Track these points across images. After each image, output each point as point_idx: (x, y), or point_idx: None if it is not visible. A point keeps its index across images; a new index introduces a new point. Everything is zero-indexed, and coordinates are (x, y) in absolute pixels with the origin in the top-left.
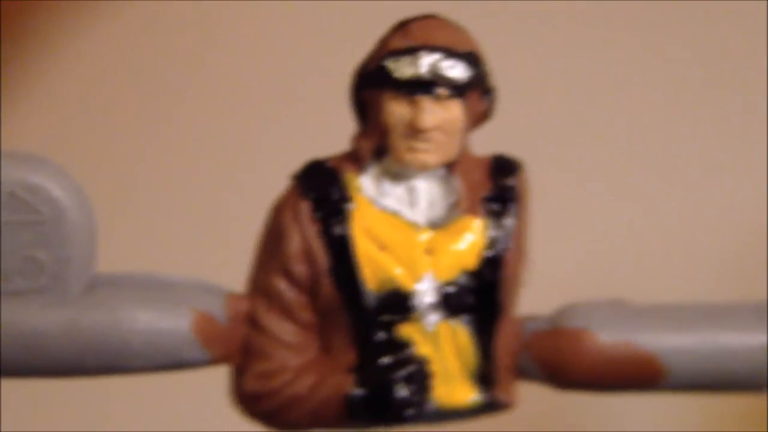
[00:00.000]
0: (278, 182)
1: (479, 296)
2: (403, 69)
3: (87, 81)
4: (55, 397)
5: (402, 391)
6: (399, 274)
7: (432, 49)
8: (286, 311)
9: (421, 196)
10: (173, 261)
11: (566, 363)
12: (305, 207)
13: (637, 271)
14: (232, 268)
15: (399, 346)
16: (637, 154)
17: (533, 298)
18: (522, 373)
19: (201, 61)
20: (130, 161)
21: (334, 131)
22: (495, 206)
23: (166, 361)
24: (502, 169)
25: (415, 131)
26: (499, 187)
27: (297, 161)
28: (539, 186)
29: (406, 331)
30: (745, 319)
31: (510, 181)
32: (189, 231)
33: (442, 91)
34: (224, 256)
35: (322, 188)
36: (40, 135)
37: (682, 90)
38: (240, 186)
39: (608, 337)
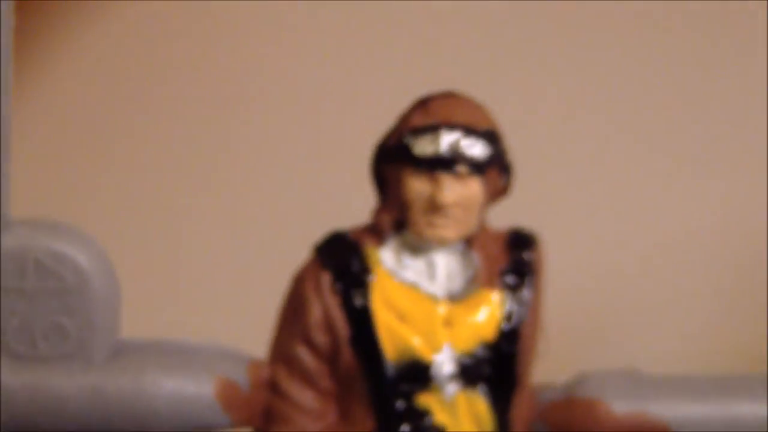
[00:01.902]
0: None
1: (496, 367)
2: (423, 147)
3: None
4: None
5: None
6: (418, 345)
7: (452, 127)
8: (306, 378)
9: (439, 270)
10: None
11: None
12: (326, 278)
13: (640, 273)
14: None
15: (417, 414)
16: (638, 155)
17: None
18: None
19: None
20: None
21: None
22: (512, 280)
23: (189, 426)
24: (519, 243)
25: (434, 207)
26: (515, 261)
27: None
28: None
29: (424, 400)
30: (755, 389)
31: (526, 255)
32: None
33: (461, 168)
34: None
35: (343, 260)
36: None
37: (684, 91)
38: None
39: (622, 407)
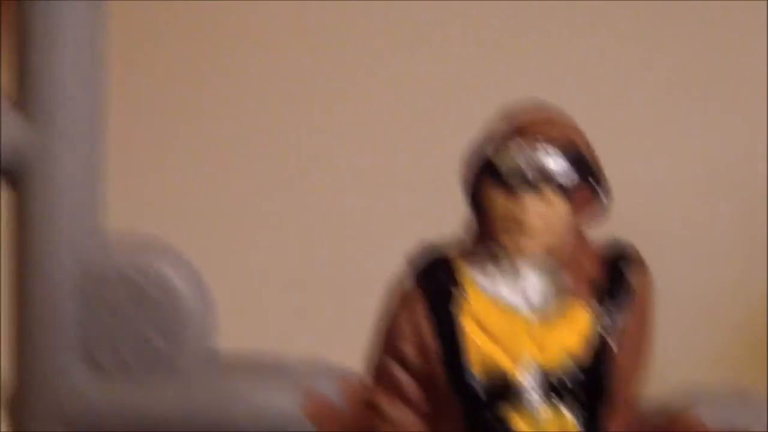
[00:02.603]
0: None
1: (585, 386)
2: (506, 162)
3: None
4: None
5: None
6: (506, 362)
7: (537, 143)
8: (403, 398)
9: (529, 285)
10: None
11: None
12: (421, 306)
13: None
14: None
15: (503, 429)
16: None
17: None
18: None
19: None
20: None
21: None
22: (605, 297)
23: None
24: (618, 260)
25: (517, 226)
26: (611, 278)
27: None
28: None
29: (513, 418)
30: None
31: (627, 276)
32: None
33: (543, 186)
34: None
35: (435, 278)
36: None
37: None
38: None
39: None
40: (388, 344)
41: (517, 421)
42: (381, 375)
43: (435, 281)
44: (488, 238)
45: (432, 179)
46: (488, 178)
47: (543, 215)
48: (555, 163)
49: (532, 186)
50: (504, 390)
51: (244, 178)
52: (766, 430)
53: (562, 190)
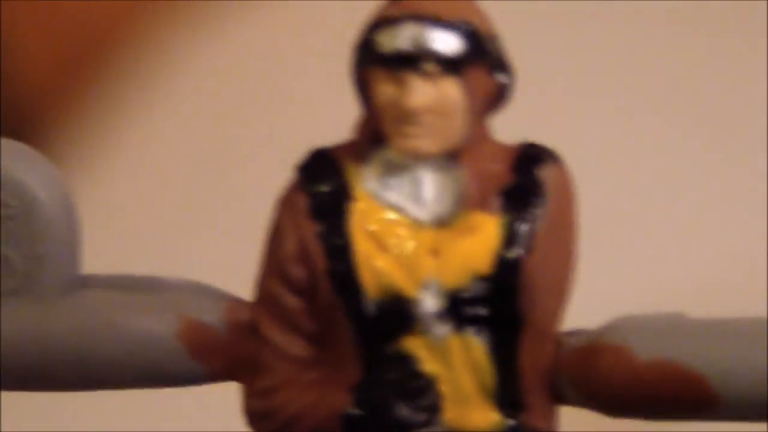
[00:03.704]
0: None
1: (495, 305)
2: (386, 42)
3: None
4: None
5: (403, 412)
6: (400, 279)
7: (418, 18)
8: (288, 320)
9: (426, 189)
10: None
11: (602, 383)
12: (302, 202)
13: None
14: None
15: (402, 360)
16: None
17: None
18: (559, 395)
19: None
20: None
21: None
22: (515, 200)
23: (153, 375)
24: (530, 159)
25: (403, 114)
26: (522, 179)
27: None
28: None
29: (410, 344)
30: None
31: (537, 174)
32: (193, 227)
33: (429, 66)
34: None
35: (321, 181)
36: None
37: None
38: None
39: (649, 355)
40: (272, 262)
41: (416, 349)
42: (265, 296)
43: (321, 187)
44: (380, 138)
45: None
46: (374, 65)
47: (432, 99)
48: (443, 40)
49: (416, 66)
50: (399, 312)
51: None
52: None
53: (454, 70)
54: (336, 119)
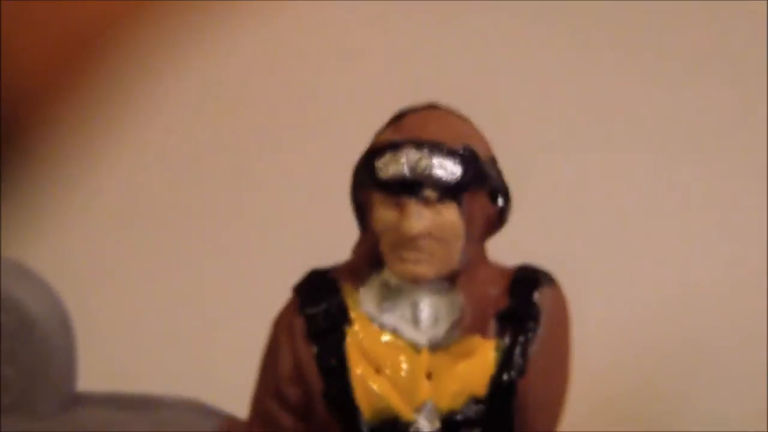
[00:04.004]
0: None
1: (489, 427)
2: (386, 168)
3: None
4: None
5: None
6: (396, 402)
7: (418, 144)
8: None
9: (423, 313)
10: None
11: None
12: (299, 325)
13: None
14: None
15: None
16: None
17: None
18: None
19: None
20: None
21: None
22: (510, 325)
23: None
24: (525, 282)
25: (403, 239)
26: (517, 303)
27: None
28: None
29: None
30: None
31: (532, 296)
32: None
33: (429, 192)
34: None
35: (318, 303)
36: None
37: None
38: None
39: None
40: (268, 380)
41: None
42: (260, 415)
43: (318, 310)
44: (378, 261)
45: None
46: (374, 189)
47: (431, 224)
48: (442, 166)
49: (416, 192)
50: None
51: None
52: None
53: (453, 195)
54: (333, 120)
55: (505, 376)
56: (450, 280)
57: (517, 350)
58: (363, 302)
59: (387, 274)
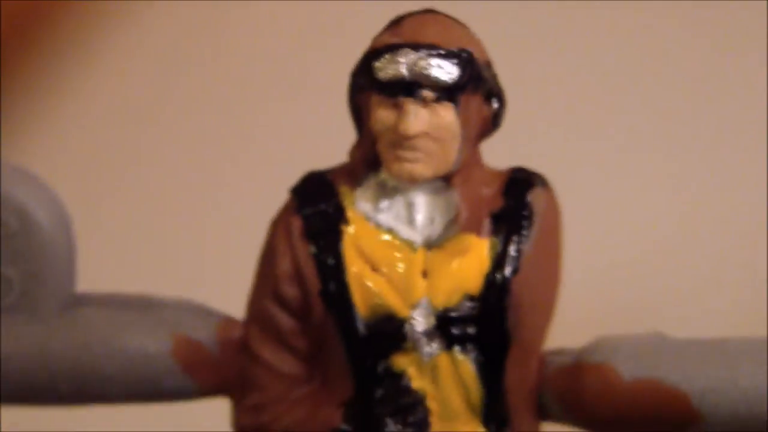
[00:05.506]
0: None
1: (483, 325)
2: (385, 69)
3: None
4: None
5: (392, 427)
6: (391, 299)
7: (416, 46)
8: (280, 338)
9: (419, 212)
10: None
11: (587, 401)
12: (297, 224)
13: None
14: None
15: (392, 378)
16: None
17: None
18: (543, 412)
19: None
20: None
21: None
22: (504, 223)
23: (147, 390)
24: (519, 183)
25: (400, 138)
26: (511, 203)
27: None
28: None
29: (400, 362)
30: None
31: (525, 197)
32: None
33: (427, 93)
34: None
35: (315, 204)
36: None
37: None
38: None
39: (632, 374)
40: (265, 281)
41: (405, 366)
42: (258, 315)
43: (315, 210)
44: (375, 162)
45: None
46: (369, 88)
47: (428, 124)
48: (440, 67)
49: (413, 93)
50: (389, 331)
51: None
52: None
53: (450, 96)
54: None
55: (498, 274)
56: (445, 181)
57: (511, 249)
58: (359, 202)
59: (384, 175)
